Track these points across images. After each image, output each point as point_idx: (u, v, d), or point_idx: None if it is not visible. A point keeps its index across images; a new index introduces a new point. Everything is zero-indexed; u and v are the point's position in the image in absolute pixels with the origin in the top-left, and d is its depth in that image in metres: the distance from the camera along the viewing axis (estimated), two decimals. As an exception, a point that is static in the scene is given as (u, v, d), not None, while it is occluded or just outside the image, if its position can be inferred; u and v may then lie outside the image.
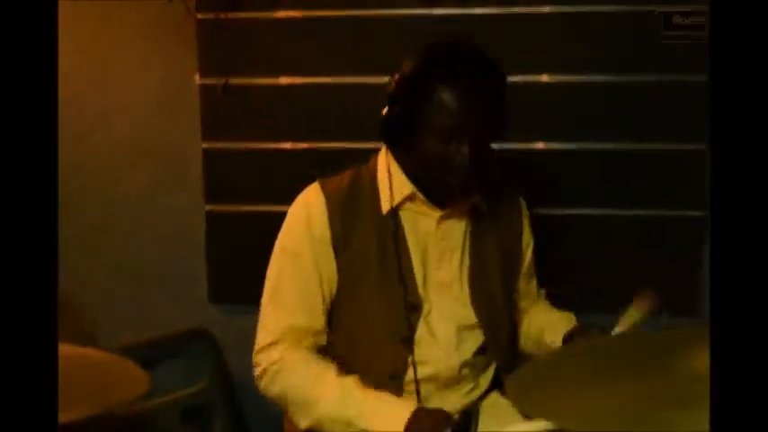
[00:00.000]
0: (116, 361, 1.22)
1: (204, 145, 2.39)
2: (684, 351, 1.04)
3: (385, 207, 1.74)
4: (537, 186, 2.03)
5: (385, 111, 1.68)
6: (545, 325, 1.87)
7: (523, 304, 1.96)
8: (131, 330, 2.33)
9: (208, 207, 2.41)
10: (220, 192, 2.40)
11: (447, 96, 1.60)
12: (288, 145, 2.34)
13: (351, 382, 1.67)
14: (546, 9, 2.22)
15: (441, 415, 1.61)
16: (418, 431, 1.57)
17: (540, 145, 2.28)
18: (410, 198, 1.74)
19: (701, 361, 1.00)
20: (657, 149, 2.24)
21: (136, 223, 2.47)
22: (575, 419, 0.97)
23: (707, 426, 0.88)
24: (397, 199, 1.74)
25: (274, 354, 1.70)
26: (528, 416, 1.04)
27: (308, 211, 1.74)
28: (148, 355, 2.24)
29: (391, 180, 1.74)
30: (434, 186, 1.71)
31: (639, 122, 2.23)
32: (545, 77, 2.24)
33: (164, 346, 2.34)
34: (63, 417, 0.95)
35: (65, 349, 1.31)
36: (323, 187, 1.75)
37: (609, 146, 2.25)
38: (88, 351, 1.24)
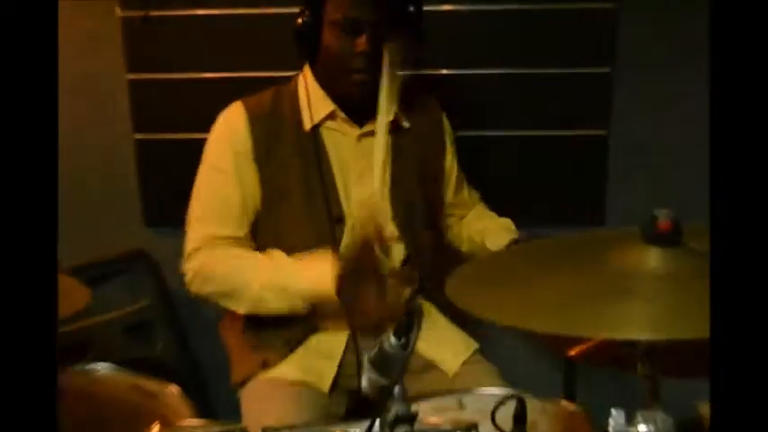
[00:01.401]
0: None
1: (130, 76, 2.27)
2: (611, 251, 1.06)
3: (307, 125, 1.70)
4: (460, 110, 2.04)
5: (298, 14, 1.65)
6: (486, 232, 1.84)
7: (460, 212, 1.95)
8: (72, 255, 2.27)
9: (137, 136, 2.31)
10: (148, 121, 2.31)
11: None
12: (210, 74, 2.24)
13: (277, 253, 1.64)
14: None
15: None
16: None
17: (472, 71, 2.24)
18: (331, 116, 1.70)
19: (628, 257, 1.04)
20: (564, 74, 2.22)
21: (71, 156, 2.34)
22: (511, 315, 0.97)
23: (639, 316, 0.93)
24: (319, 117, 1.70)
25: (199, 256, 1.66)
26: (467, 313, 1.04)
27: (229, 127, 1.70)
28: (91, 275, 2.19)
29: (312, 98, 1.70)
30: (341, 88, 1.66)
31: (548, 49, 2.21)
32: (449, 6, 2.18)
33: (105, 267, 2.29)
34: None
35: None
36: (244, 104, 1.71)
37: (520, 71, 2.22)
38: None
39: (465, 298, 1.05)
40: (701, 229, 1.06)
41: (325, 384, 1.68)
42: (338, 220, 1.70)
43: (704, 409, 2.20)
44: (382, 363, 1.08)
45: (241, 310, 1.67)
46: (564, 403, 1.43)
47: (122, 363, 1.62)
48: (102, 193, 2.38)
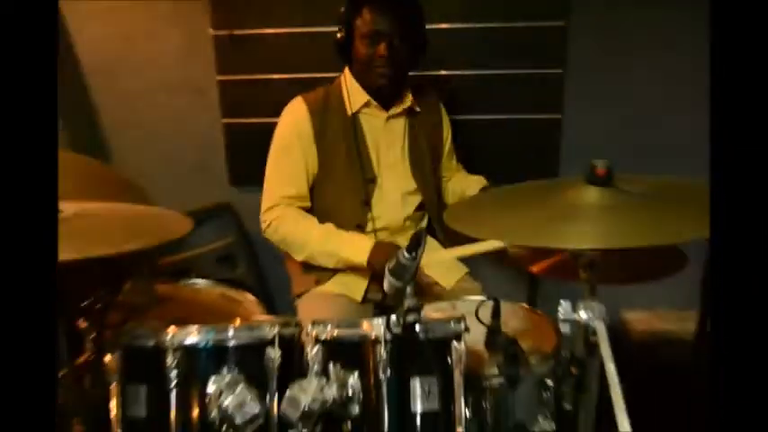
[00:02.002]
0: (168, 213, 1.23)
1: (219, 77, 2.29)
2: (563, 190, 1.08)
3: (348, 112, 1.71)
4: (454, 100, 2.04)
5: (337, 30, 1.67)
6: (465, 186, 1.87)
7: (449, 174, 1.96)
8: (176, 206, 2.30)
9: (224, 120, 2.33)
10: (232, 110, 2.32)
11: (369, 11, 1.62)
12: (278, 75, 2.25)
13: (330, 226, 1.68)
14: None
15: (393, 246, 1.63)
16: (378, 256, 1.59)
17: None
18: (366, 105, 1.72)
19: (574, 194, 1.05)
20: (528, 74, 2.20)
21: (173, 135, 2.38)
22: (491, 234, 1.01)
23: (582, 234, 0.95)
24: (357, 106, 1.71)
25: (275, 212, 1.69)
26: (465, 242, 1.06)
27: (295, 118, 1.71)
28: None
29: (351, 92, 1.71)
30: (369, 82, 1.68)
31: (516, 56, 2.19)
32: (445, 25, 2.16)
33: (201, 214, 2.27)
34: (138, 244, 0.94)
35: (134, 208, 1.30)
36: (304, 99, 1.72)
37: (488, 72, 2.21)
38: (150, 208, 1.25)
39: (458, 224, 1.07)
40: (629, 176, 1.07)
41: (358, 295, 1.72)
42: (371, 180, 1.74)
43: (625, 315, 2.20)
44: (398, 271, 1.10)
45: (298, 259, 1.71)
46: (528, 306, 1.45)
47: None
48: (199, 163, 2.40)
